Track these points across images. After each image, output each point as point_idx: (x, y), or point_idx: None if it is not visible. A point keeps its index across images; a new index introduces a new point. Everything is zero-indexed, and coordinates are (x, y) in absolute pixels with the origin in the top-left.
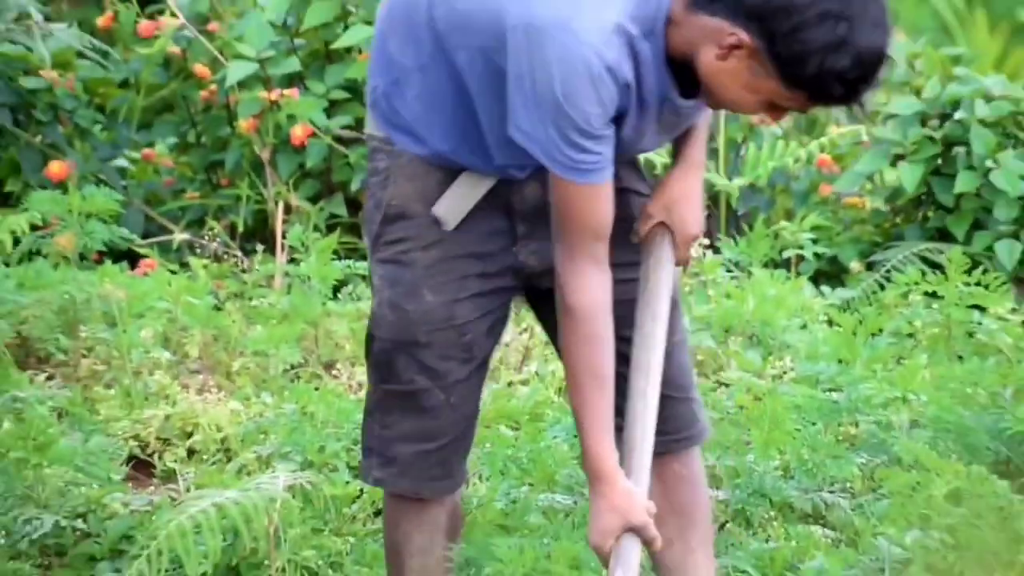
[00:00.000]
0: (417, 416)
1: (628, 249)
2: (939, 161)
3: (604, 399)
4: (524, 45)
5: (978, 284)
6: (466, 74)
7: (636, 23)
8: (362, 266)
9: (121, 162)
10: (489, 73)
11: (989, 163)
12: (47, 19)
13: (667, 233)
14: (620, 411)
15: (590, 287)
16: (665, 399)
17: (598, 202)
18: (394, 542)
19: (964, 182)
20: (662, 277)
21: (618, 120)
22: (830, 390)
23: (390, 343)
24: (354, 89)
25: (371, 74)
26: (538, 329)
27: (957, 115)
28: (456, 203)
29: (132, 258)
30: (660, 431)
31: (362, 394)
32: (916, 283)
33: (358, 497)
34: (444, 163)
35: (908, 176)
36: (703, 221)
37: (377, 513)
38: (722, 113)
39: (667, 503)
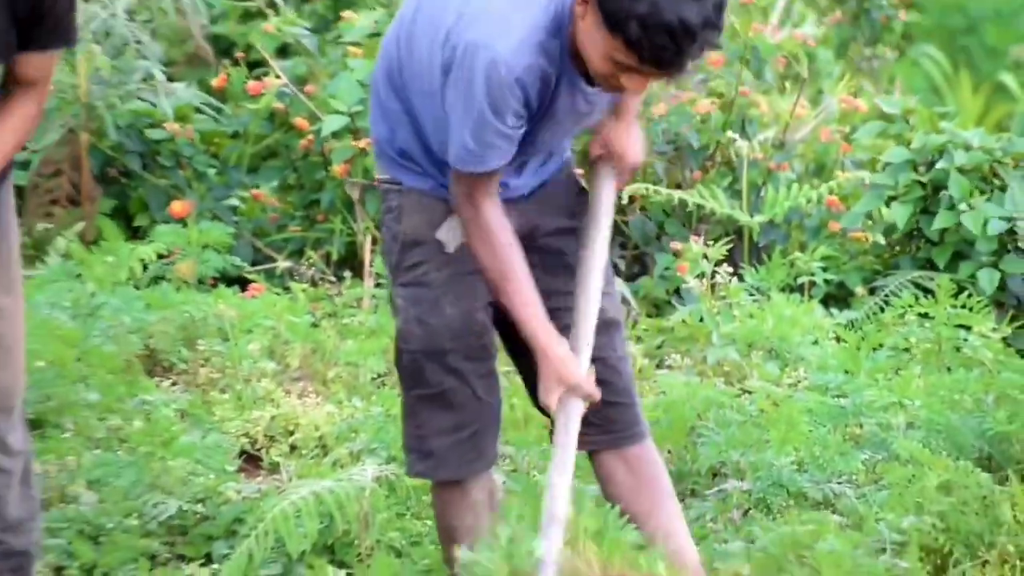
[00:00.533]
0: (448, 412)
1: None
2: (926, 202)
3: (524, 290)
4: (460, 61)
5: (963, 307)
6: (422, 116)
7: (545, 29)
8: None
9: (233, 201)
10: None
11: (962, 206)
12: (169, 79)
13: (608, 165)
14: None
15: (490, 214)
16: (617, 405)
17: (494, 176)
18: (445, 527)
19: (943, 220)
20: (603, 200)
21: (540, 113)
22: (838, 396)
23: (419, 353)
24: None
25: (372, 125)
26: None
27: (940, 163)
28: (455, 228)
29: (242, 283)
30: (616, 430)
31: None
32: (910, 306)
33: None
34: (445, 193)
35: (899, 214)
36: (641, 151)
37: None
38: (744, 160)
39: (636, 481)
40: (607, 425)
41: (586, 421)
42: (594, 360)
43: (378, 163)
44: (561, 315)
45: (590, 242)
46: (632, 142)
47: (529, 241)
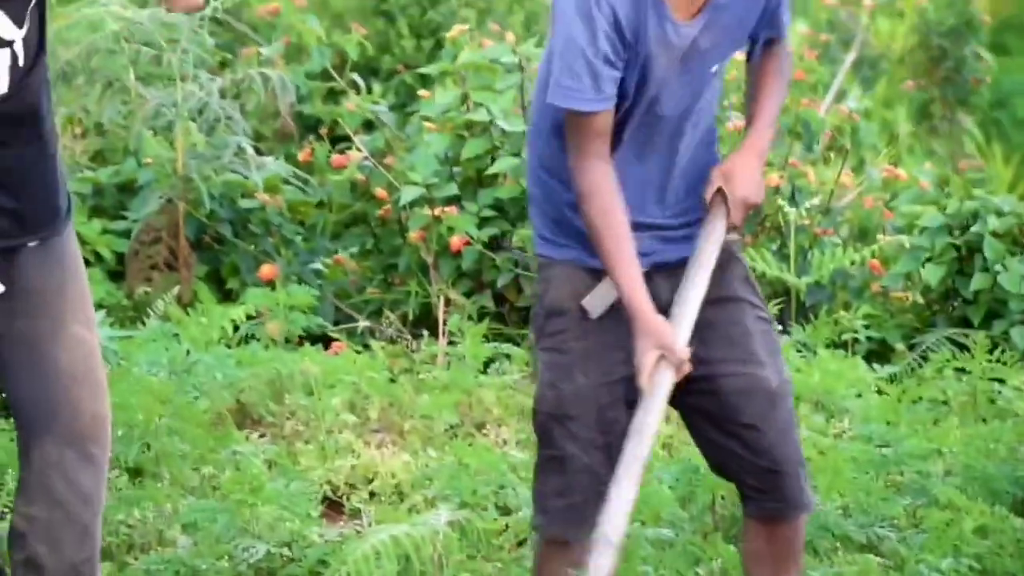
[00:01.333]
0: (564, 476)
1: (733, 348)
2: (961, 263)
3: (625, 252)
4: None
5: (998, 361)
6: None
7: None
8: (507, 347)
9: (317, 265)
10: None
11: (998, 267)
12: (259, 153)
13: (723, 202)
14: None
15: (596, 173)
16: (769, 473)
17: (593, 120)
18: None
19: (978, 282)
20: (711, 230)
21: (635, 49)
22: (880, 446)
23: (549, 416)
24: (500, 207)
25: (532, 214)
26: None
27: (974, 228)
28: (601, 297)
29: (326, 341)
30: (764, 500)
31: (507, 449)
32: (948, 361)
33: (503, 531)
34: (592, 263)
35: (934, 275)
36: (760, 191)
37: (519, 543)
38: (792, 226)
39: (769, 553)
40: (755, 494)
41: (746, 484)
42: (751, 428)
43: (535, 240)
44: (720, 381)
45: (689, 279)
46: (748, 177)
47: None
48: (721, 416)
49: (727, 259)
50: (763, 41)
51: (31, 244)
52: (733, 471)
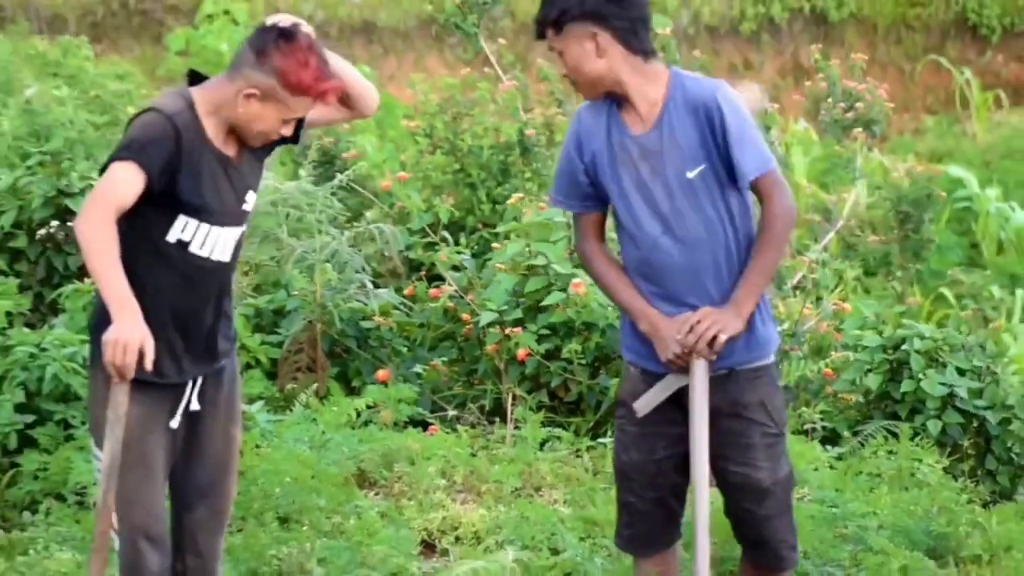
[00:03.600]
0: (629, 516)
1: (740, 453)
2: (893, 374)
3: (623, 288)
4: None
5: (918, 446)
6: None
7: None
8: (558, 431)
9: (418, 369)
10: None
11: (920, 376)
12: (376, 287)
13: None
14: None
15: (586, 249)
16: (758, 543)
17: (584, 221)
18: None
19: (905, 386)
20: (698, 391)
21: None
22: (831, 507)
23: (617, 473)
24: (553, 328)
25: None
26: None
27: (904, 347)
28: (646, 402)
29: (424, 425)
30: (757, 557)
31: (557, 506)
32: (881, 445)
33: (553, 567)
34: (642, 363)
35: (873, 382)
36: (729, 330)
37: (566, 575)
38: None
39: None
40: (748, 551)
41: (743, 543)
42: (745, 511)
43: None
44: (727, 475)
45: (695, 439)
46: (718, 319)
47: (712, 417)
48: (729, 499)
49: (746, 389)
50: (745, 184)
51: (218, 366)
52: (737, 533)
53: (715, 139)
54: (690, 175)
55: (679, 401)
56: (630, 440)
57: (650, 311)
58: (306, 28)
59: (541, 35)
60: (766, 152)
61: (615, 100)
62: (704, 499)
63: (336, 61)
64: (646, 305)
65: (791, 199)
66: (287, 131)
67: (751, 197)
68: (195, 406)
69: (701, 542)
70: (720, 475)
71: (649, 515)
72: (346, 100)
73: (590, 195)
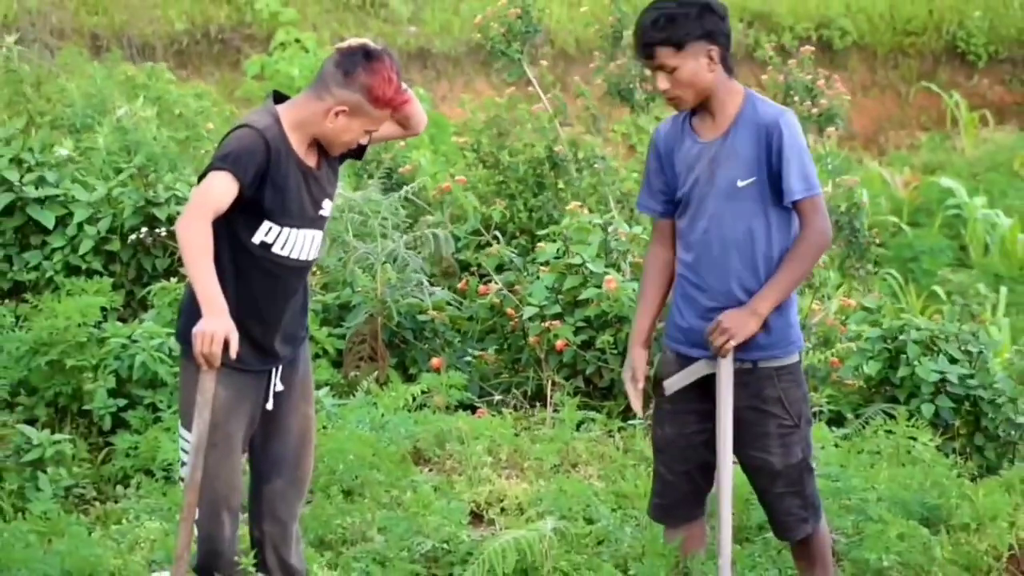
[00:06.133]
0: (659, 485)
1: (755, 441)
2: (892, 361)
3: (644, 302)
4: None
5: (914, 426)
6: None
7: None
8: (592, 414)
9: (468, 359)
10: None
11: (916, 363)
12: (431, 284)
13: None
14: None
15: (651, 250)
16: (772, 518)
17: (657, 224)
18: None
19: (902, 373)
20: (723, 385)
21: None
22: (835, 481)
23: (653, 449)
24: (588, 321)
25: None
26: None
27: (901, 337)
28: (677, 380)
29: (473, 408)
30: (774, 528)
31: (591, 480)
32: (881, 426)
33: (588, 535)
34: (675, 347)
35: (873, 369)
36: (742, 332)
37: (599, 543)
38: None
39: (797, 555)
40: (770, 523)
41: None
42: (760, 491)
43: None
44: (745, 460)
45: (721, 434)
46: (734, 320)
47: (735, 408)
48: (749, 479)
49: (766, 385)
50: (788, 202)
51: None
52: (764, 511)
53: (770, 157)
54: (741, 184)
55: (708, 384)
56: (664, 416)
57: (635, 343)
58: (386, 49)
59: (650, 55)
60: (814, 179)
61: (691, 110)
62: (727, 479)
63: None
64: (642, 345)
65: (827, 226)
66: (365, 139)
67: (794, 218)
68: (278, 387)
69: (724, 515)
70: (740, 457)
71: (677, 487)
72: (404, 120)
73: (667, 202)
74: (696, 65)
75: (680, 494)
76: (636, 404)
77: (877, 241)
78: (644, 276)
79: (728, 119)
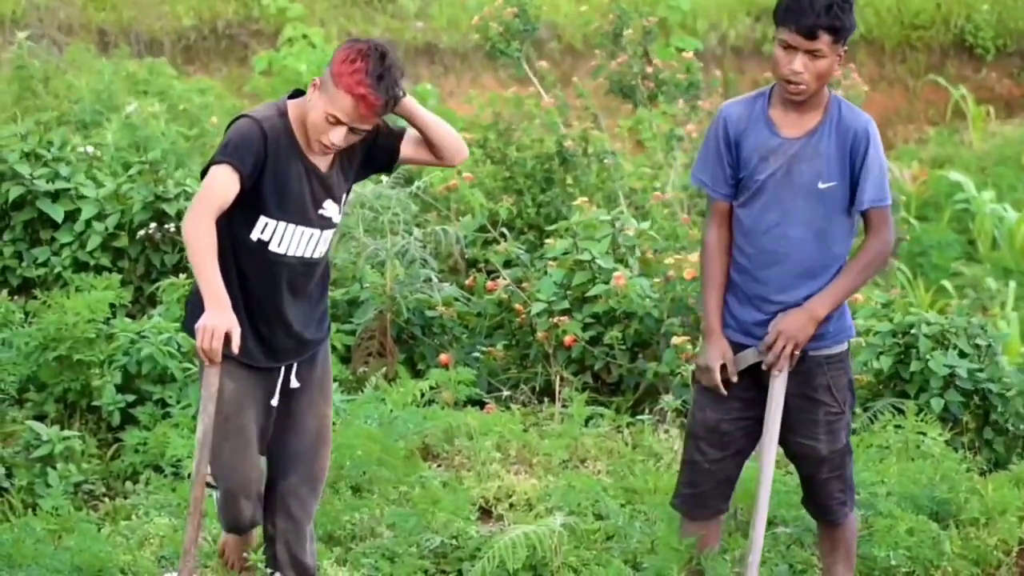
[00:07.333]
0: (690, 474)
1: (803, 428)
2: (902, 356)
3: (709, 288)
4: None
5: (923, 421)
6: None
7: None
8: (601, 409)
9: (476, 354)
10: None
11: (927, 358)
12: (440, 280)
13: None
14: None
15: (708, 234)
16: (817, 503)
17: (716, 205)
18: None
19: (913, 367)
20: (776, 390)
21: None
22: None
23: (688, 433)
24: (597, 317)
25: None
26: None
27: (912, 331)
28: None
29: (481, 404)
30: (816, 512)
31: (600, 476)
32: (890, 420)
33: (597, 531)
34: (730, 335)
35: (884, 363)
36: (800, 336)
37: (608, 538)
38: None
39: (824, 537)
40: (811, 508)
41: (808, 501)
42: (806, 477)
43: None
44: (793, 447)
45: (768, 433)
46: (790, 323)
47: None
48: (796, 467)
49: (816, 374)
50: (859, 208)
51: (311, 352)
52: (805, 494)
53: (853, 163)
54: (822, 186)
55: (755, 371)
56: (708, 400)
57: (716, 330)
58: (385, 44)
59: (814, 36)
60: (887, 191)
61: (767, 100)
62: (767, 487)
63: (427, 113)
64: (718, 324)
65: (892, 237)
66: (336, 138)
67: (854, 227)
68: (294, 384)
69: (760, 519)
70: (785, 445)
71: (710, 475)
72: (431, 147)
73: (731, 184)
74: (834, 61)
75: (714, 482)
76: (723, 390)
77: (907, 238)
78: (709, 261)
79: (815, 119)
